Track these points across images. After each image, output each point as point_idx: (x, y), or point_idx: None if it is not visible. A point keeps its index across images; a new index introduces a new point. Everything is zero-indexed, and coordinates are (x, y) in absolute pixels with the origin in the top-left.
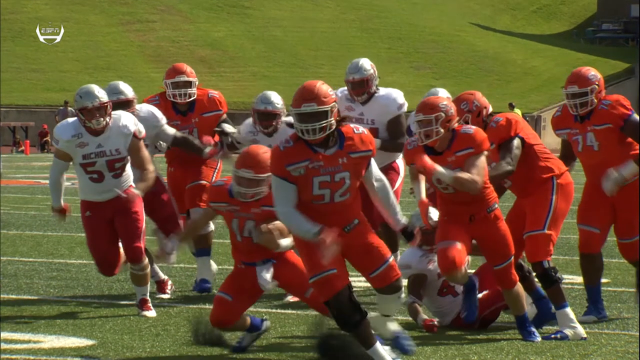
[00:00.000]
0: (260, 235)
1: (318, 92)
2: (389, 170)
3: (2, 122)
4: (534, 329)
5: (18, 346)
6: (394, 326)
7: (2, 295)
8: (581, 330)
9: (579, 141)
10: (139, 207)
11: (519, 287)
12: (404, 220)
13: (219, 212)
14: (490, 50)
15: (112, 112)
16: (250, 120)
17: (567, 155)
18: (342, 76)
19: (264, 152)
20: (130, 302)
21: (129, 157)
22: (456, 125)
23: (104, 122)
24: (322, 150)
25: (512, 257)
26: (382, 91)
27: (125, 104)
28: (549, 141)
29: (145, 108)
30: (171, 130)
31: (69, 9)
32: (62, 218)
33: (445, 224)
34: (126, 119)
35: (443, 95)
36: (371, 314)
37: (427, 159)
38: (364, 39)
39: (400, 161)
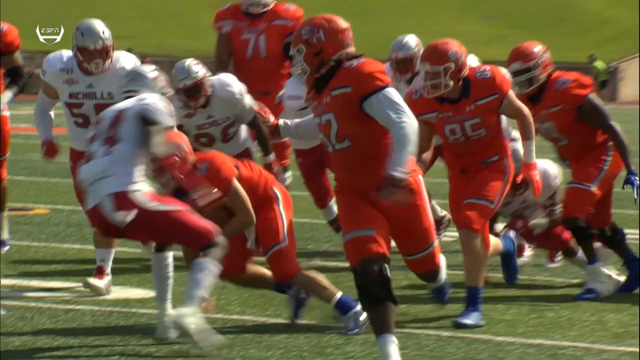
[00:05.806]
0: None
1: (296, 30)
2: None
3: None
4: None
5: (83, 298)
6: None
7: (66, 245)
8: (611, 285)
9: None
10: None
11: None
12: (397, 173)
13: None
14: None
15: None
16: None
17: None
18: (409, 27)
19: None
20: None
21: None
22: (467, 72)
23: (104, 67)
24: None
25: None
26: None
27: (195, 89)
28: (627, 92)
29: (219, 89)
30: (250, 105)
31: None
32: (51, 156)
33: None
34: (125, 61)
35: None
36: None
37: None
38: None
39: None
